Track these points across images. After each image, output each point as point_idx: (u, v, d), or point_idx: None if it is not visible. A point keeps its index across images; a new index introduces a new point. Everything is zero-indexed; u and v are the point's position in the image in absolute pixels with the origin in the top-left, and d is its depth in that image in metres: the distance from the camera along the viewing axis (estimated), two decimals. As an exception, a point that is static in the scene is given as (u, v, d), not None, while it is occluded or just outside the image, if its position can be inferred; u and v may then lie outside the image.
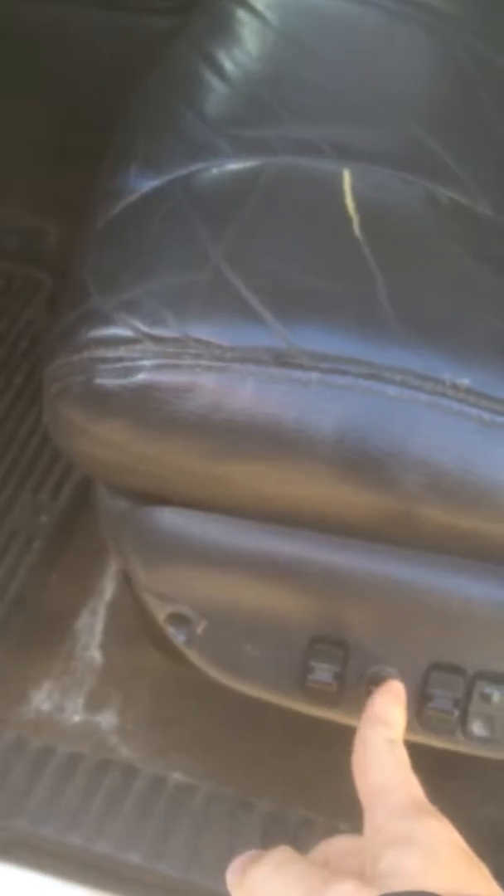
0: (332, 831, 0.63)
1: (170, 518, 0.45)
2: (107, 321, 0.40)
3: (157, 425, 0.39)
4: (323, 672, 0.46)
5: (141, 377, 0.39)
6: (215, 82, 0.50)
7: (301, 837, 0.62)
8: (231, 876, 0.30)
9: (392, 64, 0.54)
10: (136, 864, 0.61)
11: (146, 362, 0.39)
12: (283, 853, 0.29)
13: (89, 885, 0.61)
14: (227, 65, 0.51)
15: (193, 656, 0.49)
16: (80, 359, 0.40)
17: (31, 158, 0.93)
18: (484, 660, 0.45)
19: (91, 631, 0.73)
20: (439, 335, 0.40)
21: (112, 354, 0.39)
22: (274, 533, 0.44)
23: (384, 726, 0.35)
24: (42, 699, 0.69)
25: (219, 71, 0.50)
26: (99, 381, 0.40)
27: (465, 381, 0.39)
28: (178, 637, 0.48)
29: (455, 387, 0.39)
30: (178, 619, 0.48)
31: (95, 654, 0.72)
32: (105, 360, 0.39)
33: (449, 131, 0.50)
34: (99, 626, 0.73)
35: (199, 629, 0.48)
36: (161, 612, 0.48)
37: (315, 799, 0.64)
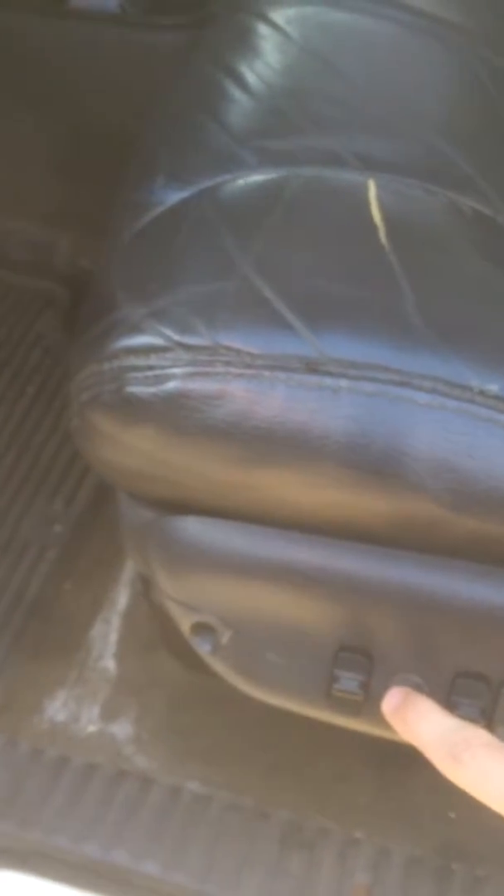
0: (348, 840, 0.63)
1: (195, 527, 0.45)
2: (137, 330, 0.40)
3: (188, 433, 0.40)
4: (349, 681, 0.46)
5: (172, 385, 0.39)
6: (238, 95, 0.50)
7: (318, 847, 0.62)
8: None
9: (411, 77, 0.54)
10: (152, 875, 0.61)
11: (177, 370, 0.39)
12: None
13: (105, 895, 0.60)
14: (250, 77, 0.51)
15: (218, 666, 0.49)
16: (111, 367, 0.40)
17: (42, 172, 0.94)
18: (510, 668, 0.45)
19: (105, 640, 0.72)
20: (466, 342, 0.40)
21: (143, 363, 0.40)
22: (300, 541, 0.44)
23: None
24: (57, 709, 0.69)
25: (241, 83, 0.51)
26: (130, 389, 0.40)
27: (492, 388, 0.39)
28: (202, 647, 0.48)
29: (483, 393, 0.39)
30: (203, 629, 0.48)
31: (110, 664, 0.71)
32: (136, 369, 0.40)
33: (469, 143, 0.51)
34: (113, 636, 0.73)
35: (224, 639, 0.48)
36: (186, 622, 0.48)
37: (332, 808, 0.64)
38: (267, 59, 0.53)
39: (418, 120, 0.51)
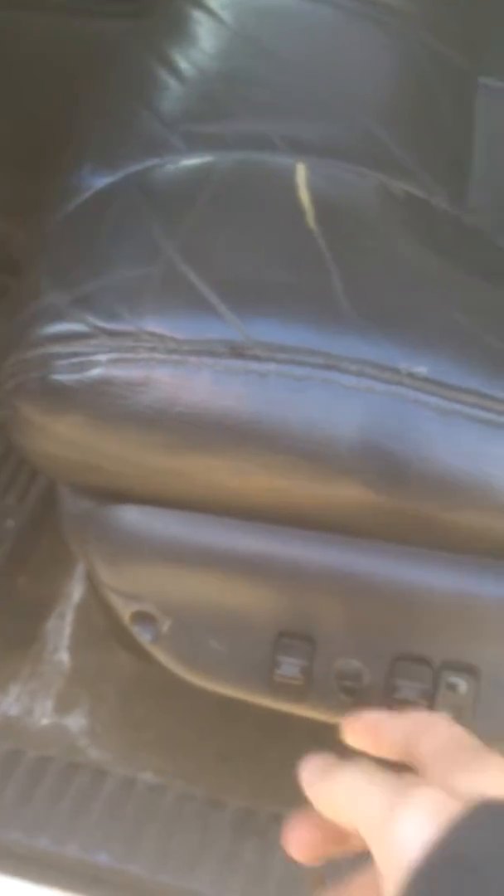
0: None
1: (132, 516, 0.45)
2: (61, 316, 0.40)
3: (114, 420, 0.39)
4: (290, 666, 0.46)
5: (96, 372, 0.39)
6: (170, 80, 0.50)
7: (272, 834, 0.62)
8: (308, 774, 0.30)
9: (347, 60, 0.54)
10: (106, 866, 0.61)
11: (101, 357, 0.39)
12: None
13: (59, 887, 0.61)
14: (182, 63, 0.51)
15: (160, 655, 0.49)
16: (35, 355, 0.40)
17: (-4, 163, 0.93)
18: (449, 650, 0.45)
19: (59, 634, 0.73)
20: (395, 325, 0.40)
21: (67, 350, 0.39)
22: (236, 528, 0.44)
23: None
24: (10, 703, 0.69)
25: (174, 69, 0.50)
26: (55, 376, 0.39)
27: (421, 370, 0.39)
28: (143, 636, 0.48)
29: (412, 375, 0.39)
30: (143, 618, 0.48)
31: (64, 657, 0.71)
32: (60, 356, 0.39)
33: (404, 126, 0.50)
34: (67, 629, 0.73)
35: (165, 627, 0.47)
36: (126, 611, 0.48)
37: (285, 795, 0.64)
38: (201, 44, 0.53)
39: (353, 103, 0.51)
